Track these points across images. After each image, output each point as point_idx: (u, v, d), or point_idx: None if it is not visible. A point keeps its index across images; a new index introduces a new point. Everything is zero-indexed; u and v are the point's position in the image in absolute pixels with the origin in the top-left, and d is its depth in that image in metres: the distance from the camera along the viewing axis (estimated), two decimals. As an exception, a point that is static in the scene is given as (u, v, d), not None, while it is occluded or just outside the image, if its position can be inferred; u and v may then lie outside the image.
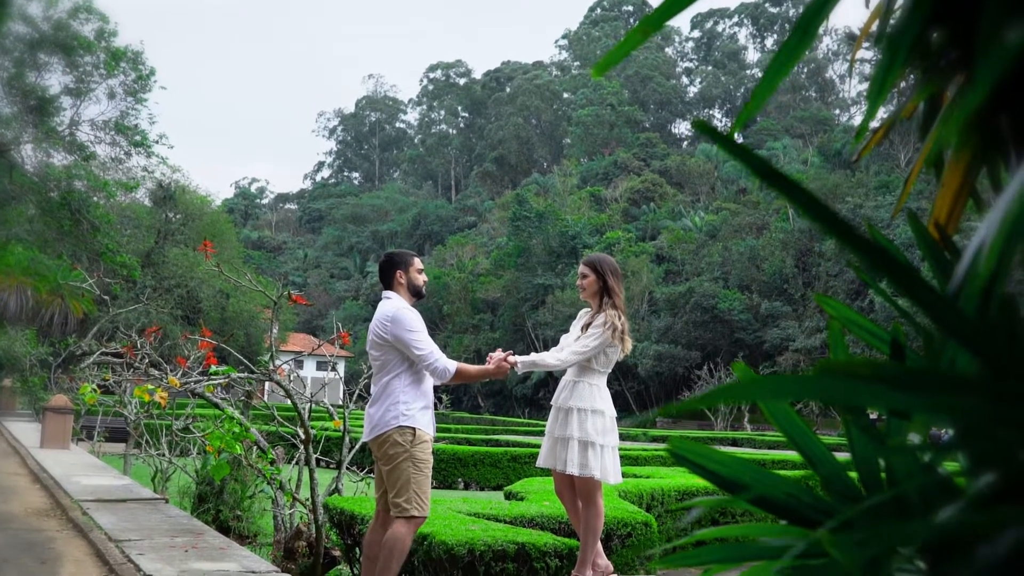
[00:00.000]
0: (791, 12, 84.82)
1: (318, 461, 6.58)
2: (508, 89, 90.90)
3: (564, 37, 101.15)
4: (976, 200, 0.99)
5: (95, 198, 22.39)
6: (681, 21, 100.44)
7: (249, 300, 31.57)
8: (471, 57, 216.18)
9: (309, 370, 44.88)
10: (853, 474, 0.89)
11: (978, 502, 0.66)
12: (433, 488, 4.38)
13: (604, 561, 4.71)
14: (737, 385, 0.64)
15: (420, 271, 4.62)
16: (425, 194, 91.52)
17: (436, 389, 4.58)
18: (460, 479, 14.41)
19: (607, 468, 4.56)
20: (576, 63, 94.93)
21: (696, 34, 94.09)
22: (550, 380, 42.28)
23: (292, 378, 7.02)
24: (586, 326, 4.72)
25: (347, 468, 7.02)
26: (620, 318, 4.64)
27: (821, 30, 0.88)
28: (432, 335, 4.47)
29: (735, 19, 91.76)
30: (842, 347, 0.94)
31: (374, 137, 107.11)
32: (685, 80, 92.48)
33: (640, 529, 5.77)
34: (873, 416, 0.93)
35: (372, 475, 5.94)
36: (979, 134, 0.89)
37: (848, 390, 0.64)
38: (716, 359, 44.22)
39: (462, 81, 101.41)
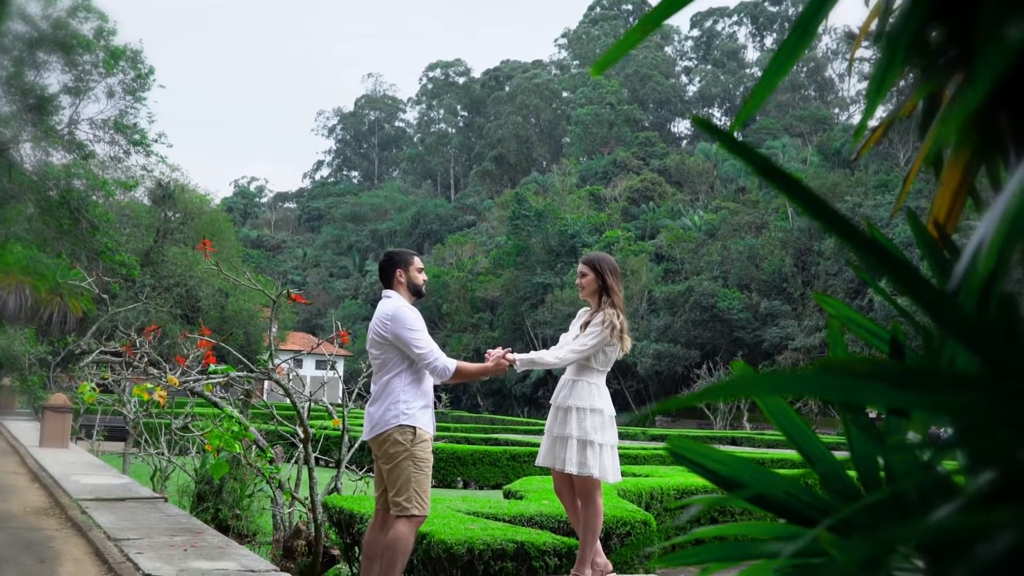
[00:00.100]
0: (790, 11, 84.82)
1: (317, 460, 6.58)
2: (507, 88, 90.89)
3: (563, 36, 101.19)
4: (975, 199, 0.99)
5: (94, 197, 22.39)
6: (680, 20, 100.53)
7: (248, 299, 31.55)
8: (471, 57, 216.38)
9: (308, 369, 44.92)
10: (852, 472, 0.89)
11: (977, 500, 0.66)
12: (432, 487, 4.38)
13: (603, 560, 4.71)
14: (734, 381, 0.64)
15: (420, 270, 4.62)
16: (424, 193, 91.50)
17: (435, 388, 4.58)
18: (459, 478, 14.41)
19: (606, 467, 4.56)
20: (575, 62, 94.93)
21: (695, 33, 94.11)
22: (549, 379, 42.30)
23: (291, 377, 7.03)
24: (585, 325, 4.72)
25: (346, 467, 7.02)
26: (619, 317, 4.64)
27: (820, 29, 0.88)
28: (431, 334, 4.47)
29: (734, 18, 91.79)
30: (841, 346, 0.94)
31: (373, 136, 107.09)
32: (684, 79, 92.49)
33: (639, 528, 5.77)
34: (872, 415, 0.93)
35: (371, 474, 5.94)
36: (978, 133, 0.89)
37: (846, 387, 0.64)
38: (715, 358, 44.25)
39: (461, 80, 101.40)
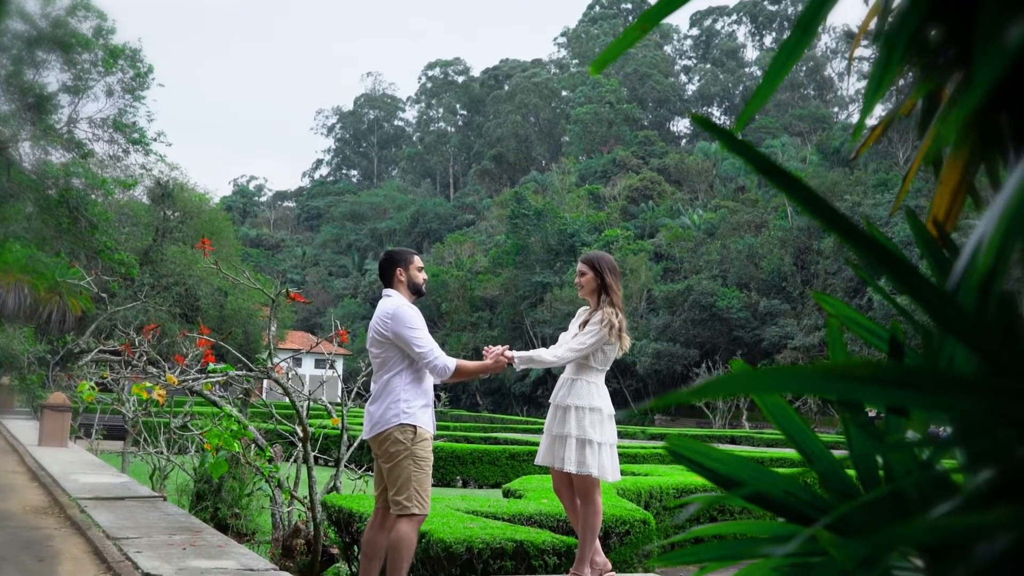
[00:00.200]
0: (789, 10, 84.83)
1: (316, 459, 6.57)
2: (506, 87, 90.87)
3: (563, 35, 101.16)
4: (975, 198, 0.99)
5: (93, 196, 22.36)
6: (680, 19, 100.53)
7: (247, 298, 31.53)
8: (470, 56, 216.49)
9: (307, 368, 44.92)
10: (851, 471, 0.89)
11: (976, 499, 0.66)
12: (432, 486, 4.38)
13: (602, 559, 4.71)
14: (732, 377, 0.64)
15: (420, 269, 4.63)
16: (423, 192, 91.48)
17: (434, 387, 4.58)
18: (458, 477, 14.41)
19: (605, 466, 4.56)
20: (575, 61, 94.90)
21: (695, 32, 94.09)
22: (548, 378, 42.31)
23: (290, 376, 7.02)
24: (584, 323, 4.73)
25: (345, 466, 7.02)
26: (617, 316, 4.64)
27: (819, 28, 0.88)
28: (431, 333, 4.47)
29: (733, 17, 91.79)
30: (840, 345, 0.93)
31: (372, 135, 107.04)
32: (684, 78, 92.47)
33: (638, 527, 5.77)
34: (871, 413, 0.93)
35: (370, 473, 5.93)
36: (978, 131, 0.89)
37: (844, 385, 0.64)
38: (714, 357, 44.27)
39: (460, 79, 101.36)
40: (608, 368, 4.76)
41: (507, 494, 7.45)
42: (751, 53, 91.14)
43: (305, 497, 6.20)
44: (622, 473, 5.19)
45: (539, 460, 4.79)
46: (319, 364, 46.54)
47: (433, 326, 54.08)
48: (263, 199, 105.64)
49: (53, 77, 21.63)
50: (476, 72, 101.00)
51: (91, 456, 12.89)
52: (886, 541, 0.66)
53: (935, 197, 0.99)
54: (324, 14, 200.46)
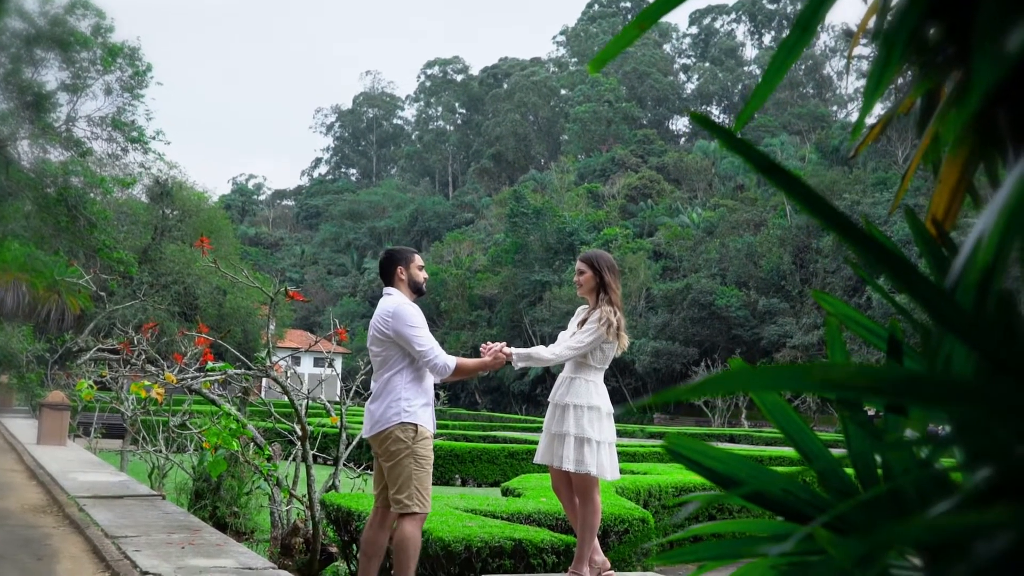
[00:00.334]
0: (788, 9, 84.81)
1: (315, 457, 6.57)
2: (505, 86, 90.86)
3: (562, 34, 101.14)
4: (974, 196, 0.99)
5: (92, 194, 22.33)
6: (679, 17, 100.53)
7: (246, 296, 31.51)
8: (470, 55, 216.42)
9: (306, 366, 44.92)
10: (850, 470, 0.89)
11: (974, 497, 0.66)
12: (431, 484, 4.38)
13: (601, 557, 4.72)
14: (731, 374, 0.64)
15: (420, 268, 4.63)
16: (422, 190, 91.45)
17: (434, 385, 4.58)
18: (457, 475, 14.41)
19: (604, 464, 4.56)
20: (574, 59, 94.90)
21: (694, 30, 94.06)
22: (547, 376, 42.33)
23: (289, 375, 7.02)
24: (583, 322, 4.73)
25: (344, 464, 7.02)
26: (615, 314, 4.64)
27: (818, 26, 0.88)
28: (430, 332, 4.48)
29: (732, 15, 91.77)
30: (839, 344, 0.93)
31: (371, 134, 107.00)
32: (683, 77, 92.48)
33: (637, 525, 5.78)
34: (870, 412, 0.93)
35: (369, 471, 5.92)
36: (976, 130, 0.89)
37: (843, 386, 0.64)
38: (713, 356, 44.32)
39: (459, 78, 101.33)
40: (607, 367, 4.76)
41: (506, 493, 7.45)
42: (750, 52, 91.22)
43: (304, 496, 6.20)
44: (621, 471, 5.19)
45: (538, 459, 4.79)
46: (318, 363, 46.55)
47: (432, 324, 53.92)
48: (262, 198, 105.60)
49: (52, 75, 21.62)
50: (475, 71, 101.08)
51: (90, 454, 12.88)
52: (884, 540, 0.66)
53: (934, 196, 0.99)
54: (324, 14, 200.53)
